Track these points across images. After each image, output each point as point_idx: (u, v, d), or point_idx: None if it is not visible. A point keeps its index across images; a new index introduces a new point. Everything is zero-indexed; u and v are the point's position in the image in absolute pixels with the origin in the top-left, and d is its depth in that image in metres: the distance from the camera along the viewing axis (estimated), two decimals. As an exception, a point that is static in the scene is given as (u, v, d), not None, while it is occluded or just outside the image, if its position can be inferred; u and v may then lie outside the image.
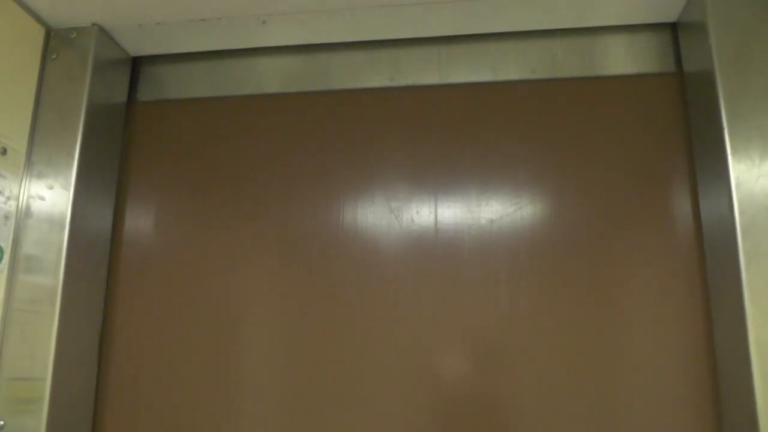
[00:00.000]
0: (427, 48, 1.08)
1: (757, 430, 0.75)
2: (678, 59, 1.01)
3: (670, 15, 1.00)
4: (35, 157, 0.97)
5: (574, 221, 0.98)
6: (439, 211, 1.03)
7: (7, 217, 0.93)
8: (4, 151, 0.93)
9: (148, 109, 1.13)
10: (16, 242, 0.94)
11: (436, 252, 1.00)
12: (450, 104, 1.06)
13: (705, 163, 0.91)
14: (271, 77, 1.12)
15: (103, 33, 1.04)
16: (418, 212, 1.02)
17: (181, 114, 1.12)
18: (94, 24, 1.02)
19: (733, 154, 0.83)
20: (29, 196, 0.96)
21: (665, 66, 1.01)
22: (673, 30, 1.02)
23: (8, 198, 0.93)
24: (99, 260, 1.02)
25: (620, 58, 1.04)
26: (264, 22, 1.02)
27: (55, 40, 1.02)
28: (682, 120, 0.98)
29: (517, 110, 1.04)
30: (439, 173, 1.04)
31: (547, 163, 1.00)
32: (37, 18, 1.00)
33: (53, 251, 0.93)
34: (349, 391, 0.96)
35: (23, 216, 0.95)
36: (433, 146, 1.05)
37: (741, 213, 0.81)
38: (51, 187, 0.96)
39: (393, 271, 1.00)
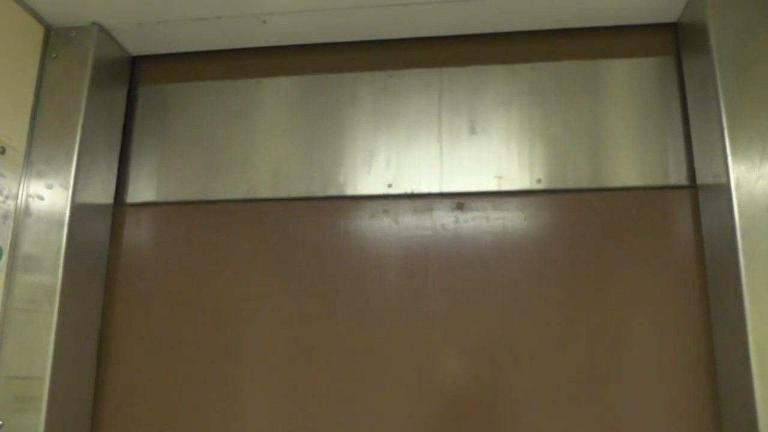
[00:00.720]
0: (428, 152, 1.02)
1: (757, 430, 0.75)
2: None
3: (670, 15, 1.00)
4: (34, 156, 0.97)
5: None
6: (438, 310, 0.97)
7: (6, 217, 0.93)
8: (3, 150, 0.92)
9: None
10: (15, 241, 0.94)
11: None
12: (451, 212, 1.00)
13: (705, 164, 0.91)
14: (263, 180, 1.05)
15: (103, 32, 1.04)
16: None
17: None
18: (93, 23, 1.02)
19: (733, 155, 0.83)
20: (28, 195, 0.95)
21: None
22: (674, 30, 1.02)
23: (7, 197, 0.93)
24: (98, 260, 1.02)
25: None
26: (264, 22, 1.02)
27: (55, 39, 1.02)
28: (683, 121, 0.98)
29: (520, 220, 0.98)
30: (438, 277, 0.97)
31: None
32: (37, 17, 1.00)
33: (52, 251, 0.93)
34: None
35: (22, 215, 0.95)
36: (432, 255, 0.99)
37: (741, 214, 0.81)
38: (50, 187, 0.95)
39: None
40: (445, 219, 1.00)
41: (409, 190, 1.01)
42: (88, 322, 0.99)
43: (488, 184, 1.00)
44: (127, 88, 1.12)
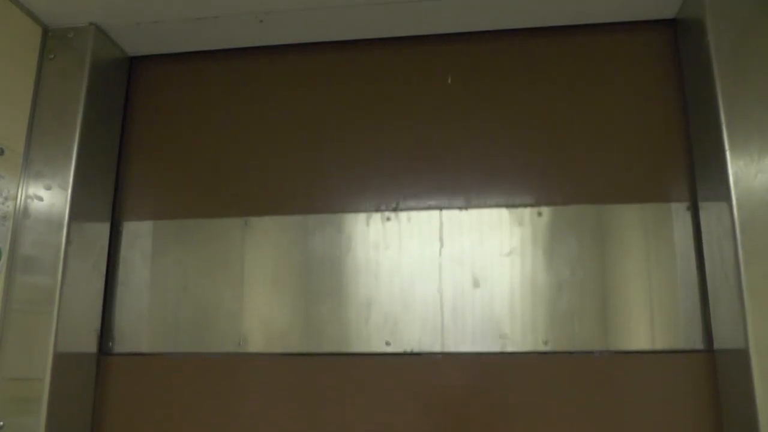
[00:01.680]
0: (428, 306, 0.96)
1: (757, 426, 0.75)
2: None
3: (668, 11, 1.00)
4: (33, 157, 0.97)
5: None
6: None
7: (4, 218, 0.93)
8: (2, 152, 0.92)
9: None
10: (14, 243, 0.93)
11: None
12: (452, 375, 0.93)
13: (704, 160, 0.91)
14: (255, 333, 0.99)
15: (101, 32, 1.04)
16: None
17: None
18: (91, 23, 1.02)
19: (731, 150, 0.83)
20: (27, 197, 0.95)
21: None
22: (672, 27, 1.02)
23: (6, 198, 0.93)
24: (97, 260, 1.02)
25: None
26: (261, 21, 1.02)
27: (53, 40, 1.02)
28: (682, 116, 0.98)
29: (526, 385, 0.92)
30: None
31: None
32: (35, 18, 1.00)
33: (51, 252, 0.93)
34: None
35: (21, 216, 0.95)
36: (437, 418, 0.92)
37: (739, 208, 0.81)
38: (49, 188, 0.95)
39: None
40: (447, 380, 0.93)
41: (408, 349, 0.94)
42: (88, 323, 0.99)
43: (493, 344, 0.93)
44: (125, 88, 1.12)
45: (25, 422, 0.88)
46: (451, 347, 0.94)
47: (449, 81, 1.02)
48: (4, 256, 0.92)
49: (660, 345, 0.90)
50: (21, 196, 0.95)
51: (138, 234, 1.06)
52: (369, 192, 1.02)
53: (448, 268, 0.96)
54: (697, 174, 0.94)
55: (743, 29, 0.86)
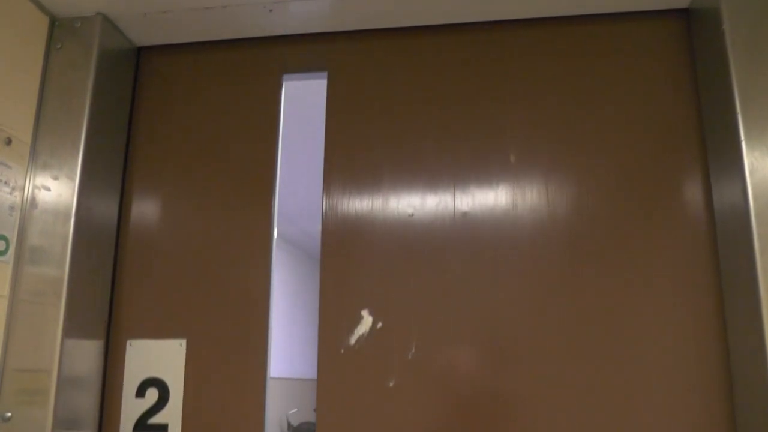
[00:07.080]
0: None
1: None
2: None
3: (681, 1, 0.99)
4: (40, 147, 0.96)
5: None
6: None
7: (12, 208, 0.92)
8: (9, 141, 0.92)
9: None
10: (22, 233, 0.93)
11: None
12: None
13: (718, 150, 0.90)
14: None
15: (108, 22, 1.03)
16: None
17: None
18: (98, 13, 1.01)
19: (746, 140, 0.82)
20: (34, 187, 0.95)
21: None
22: (685, 17, 1.01)
23: (13, 189, 0.92)
24: (105, 251, 1.02)
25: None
26: (270, 11, 1.01)
27: (60, 30, 1.01)
28: (695, 107, 0.97)
29: None
30: None
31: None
32: (41, 7, 0.99)
33: (59, 242, 0.92)
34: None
35: (28, 207, 0.94)
36: None
37: (755, 199, 0.80)
38: (56, 178, 0.95)
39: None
40: None
41: None
42: (96, 314, 0.99)
43: None
44: (133, 78, 1.11)
45: (33, 413, 0.87)
46: None
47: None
48: (12, 247, 0.91)
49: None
50: (28, 186, 0.95)
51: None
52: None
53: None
54: (711, 165, 0.93)
55: (760, 17, 0.85)
